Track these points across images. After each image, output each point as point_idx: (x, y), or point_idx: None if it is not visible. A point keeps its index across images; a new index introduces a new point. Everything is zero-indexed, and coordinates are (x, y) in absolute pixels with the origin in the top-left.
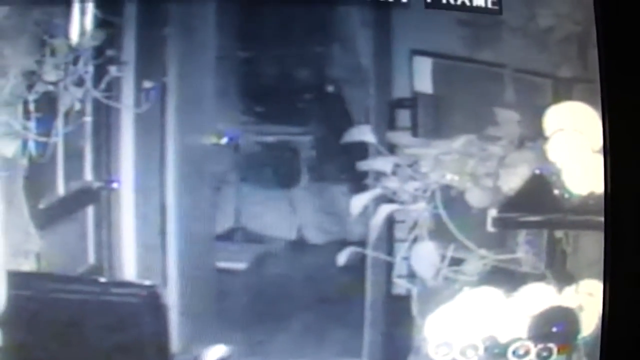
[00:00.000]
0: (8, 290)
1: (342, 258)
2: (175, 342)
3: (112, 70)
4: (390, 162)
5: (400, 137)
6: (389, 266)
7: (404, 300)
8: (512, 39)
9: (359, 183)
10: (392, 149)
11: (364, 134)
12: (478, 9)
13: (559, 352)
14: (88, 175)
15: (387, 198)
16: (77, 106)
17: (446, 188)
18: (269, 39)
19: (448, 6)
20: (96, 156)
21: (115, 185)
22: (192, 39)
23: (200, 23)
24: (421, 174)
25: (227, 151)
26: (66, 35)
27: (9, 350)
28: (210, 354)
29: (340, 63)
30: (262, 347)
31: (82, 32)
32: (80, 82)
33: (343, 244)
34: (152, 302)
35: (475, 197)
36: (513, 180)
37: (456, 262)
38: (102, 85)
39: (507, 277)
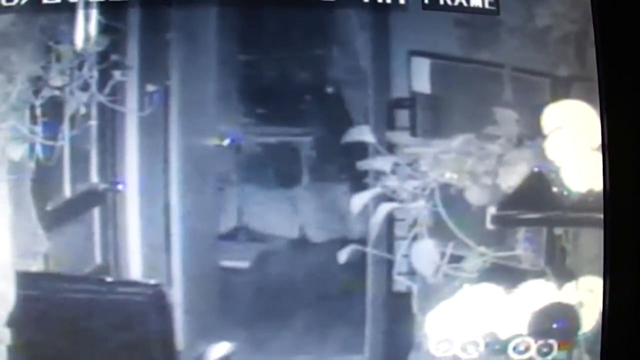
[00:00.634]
0: (17, 290)
1: (343, 256)
2: (180, 339)
3: (117, 74)
4: (389, 162)
5: (399, 137)
6: (390, 264)
7: (405, 297)
8: (509, 39)
9: (359, 182)
10: (391, 148)
11: (363, 134)
12: (475, 10)
13: (559, 348)
14: (94, 177)
15: (387, 197)
16: (83, 110)
17: (445, 186)
18: (269, 42)
19: (445, 7)
20: (102, 159)
21: (120, 186)
22: (194, 44)
23: (202, 28)
24: (420, 173)
25: (230, 152)
26: (71, 41)
27: (18, 348)
28: (214, 351)
29: (339, 65)
30: (265, 344)
31: (87, 38)
32: (85, 87)
33: (344, 242)
34: (158, 301)
35: (475, 195)
36: (512, 178)
37: (456, 259)
38: (107, 90)
39: (507, 274)
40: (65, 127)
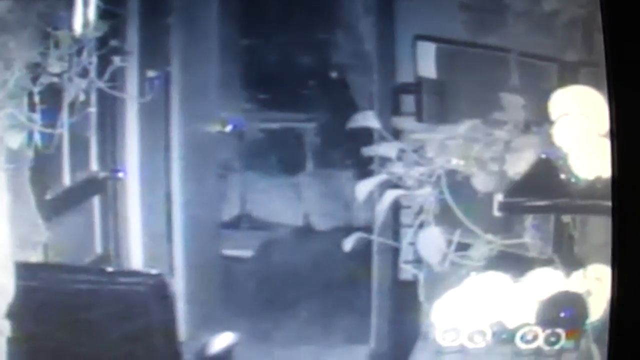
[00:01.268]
0: (16, 281)
1: (349, 244)
2: (182, 329)
3: (116, 60)
4: (395, 148)
5: (405, 123)
6: (396, 252)
7: (411, 286)
8: (516, 24)
9: (364, 169)
10: (396, 134)
11: (368, 119)
12: None
13: (567, 337)
14: (94, 165)
15: (392, 183)
16: (82, 97)
17: (452, 173)
18: (271, 26)
19: None
20: (101, 146)
21: (120, 174)
22: (195, 28)
23: (203, 12)
24: (426, 159)
25: (232, 139)
26: (70, 27)
27: (18, 340)
28: (217, 342)
29: (343, 49)
30: (269, 335)
31: (86, 24)
32: (84, 73)
33: (349, 230)
34: (159, 291)
35: (481, 182)
36: (519, 165)
37: (463, 247)
38: (106, 76)
39: (514, 262)
40: (64, 114)
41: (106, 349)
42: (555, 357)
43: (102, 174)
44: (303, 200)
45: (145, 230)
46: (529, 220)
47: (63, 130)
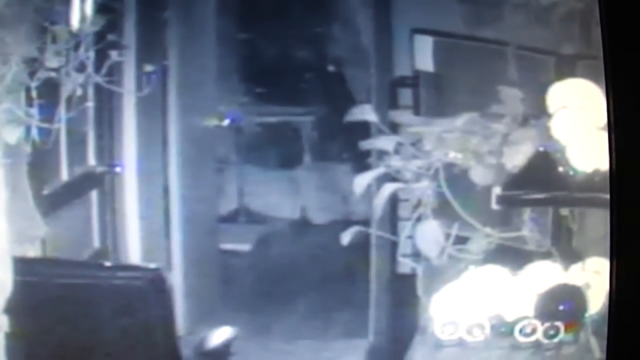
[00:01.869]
0: (14, 276)
1: (346, 237)
2: (180, 324)
3: (114, 54)
4: (392, 141)
5: (402, 116)
6: (394, 245)
7: (409, 279)
8: (514, 16)
9: (361, 162)
10: (394, 127)
11: (365, 113)
12: None
13: (566, 330)
14: (91, 160)
15: (390, 177)
16: (79, 91)
17: (450, 166)
18: (268, 20)
19: None
20: (99, 141)
21: (118, 169)
22: (192, 22)
23: (200, 6)
24: (424, 152)
25: (229, 133)
26: (67, 22)
27: (16, 336)
28: (215, 336)
29: (340, 43)
30: (267, 329)
31: (83, 18)
32: (81, 68)
33: (347, 223)
34: (157, 285)
35: (479, 175)
36: (517, 158)
37: (461, 240)
38: (104, 70)
39: (512, 255)
40: (62, 109)
41: (104, 343)
42: (554, 350)
43: (100, 169)
44: (301, 194)
45: (143, 224)
46: (527, 213)
47: (60, 125)
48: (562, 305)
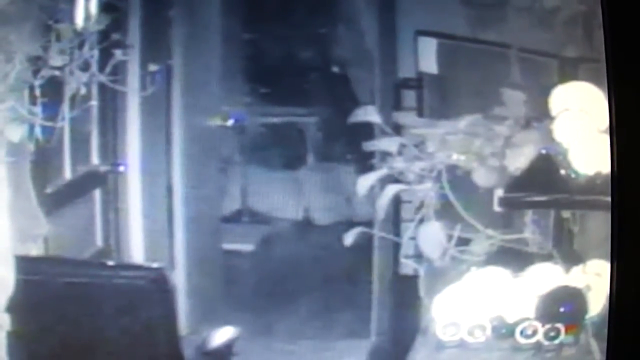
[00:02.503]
0: (17, 274)
1: (349, 238)
2: (183, 323)
3: (118, 53)
4: (396, 142)
5: (406, 117)
6: (396, 247)
7: (411, 281)
8: (517, 19)
9: (365, 163)
10: (397, 129)
11: (369, 114)
12: None
13: (566, 332)
14: (95, 159)
15: (393, 178)
16: (83, 90)
17: (452, 168)
18: (273, 20)
19: None
20: (102, 140)
21: (122, 168)
22: (197, 22)
23: (205, 5)
24: (427, 154)
25: (233, 133)
26: (71, 20)
27: (18, 334)
28: (218, 336)
29: (344, 44)
30: (269, 329)
31: (87, 17)
32: (85, 67)
33: (350, 224)
34: (160, 285)
35: (482, 177)
36: (519, 160)
37: (463, 242)
38: (108, 69)
39: (514, 257)
40: (65, 107)
41: (106, 342)
42: (555, 352)
43: (103, 168)
44: (304, 195)
45: (146, 224)
46: (529, 215)
47: (64, 124)
48: (563, 307)
